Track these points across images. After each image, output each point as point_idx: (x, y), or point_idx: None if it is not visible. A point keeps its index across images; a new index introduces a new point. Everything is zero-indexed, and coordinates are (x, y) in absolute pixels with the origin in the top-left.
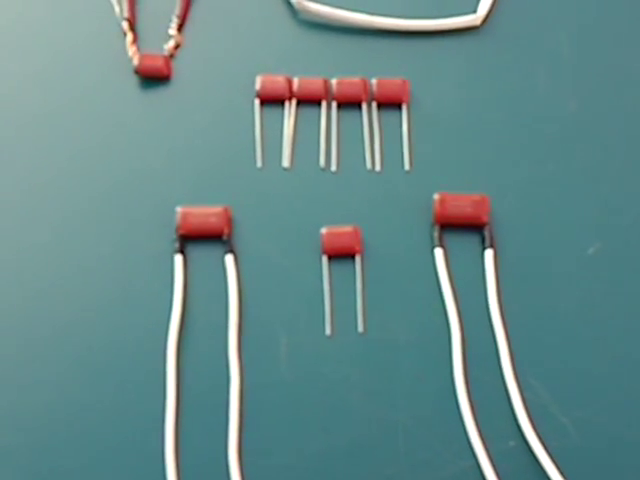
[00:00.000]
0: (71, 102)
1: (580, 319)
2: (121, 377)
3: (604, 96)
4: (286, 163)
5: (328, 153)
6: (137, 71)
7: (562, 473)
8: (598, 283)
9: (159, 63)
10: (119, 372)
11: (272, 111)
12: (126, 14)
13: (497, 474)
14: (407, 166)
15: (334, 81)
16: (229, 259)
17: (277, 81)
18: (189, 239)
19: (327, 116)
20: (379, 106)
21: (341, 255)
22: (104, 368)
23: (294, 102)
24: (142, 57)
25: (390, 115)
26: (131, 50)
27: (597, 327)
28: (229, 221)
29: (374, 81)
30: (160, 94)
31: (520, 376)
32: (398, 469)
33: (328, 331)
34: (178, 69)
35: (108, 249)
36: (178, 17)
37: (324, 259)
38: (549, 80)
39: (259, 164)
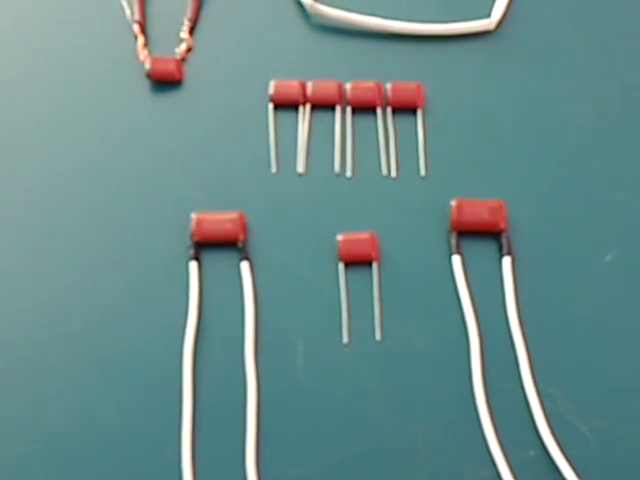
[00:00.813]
0: (82, 106)
1: (599, 327)
2: (137, 386)
3: (619, 100)
4: (301, 169)
5: (343, 158)
6: (149, 75)
7: None
8: (617, 290)
9: (171, 67)
10: (135, 381)
11: (286, 116)
12: (137, 17)
13: None
14: (423, 172)
15: (348, 85)
16: (244, 266)
17: (291, 85)
18: (204, 246)
19: (342, 121)
20: (394, 111)
21: (358, 262)
22: (119, 376)
23: (308, 107)
24: (154, 61)
25: (405, 120)
26: (142, 54)
27: (616, 335)
28: (244, 227)
29: (389, 86)
30: (172, 98)
31: (539, 385)
32: (418, 479)
33: (345, 339)
34: (190, 73)
35: (122, 256)
36: (190, 20)
37: (340, 266)
38: (564, 84)
39: (273, 170)
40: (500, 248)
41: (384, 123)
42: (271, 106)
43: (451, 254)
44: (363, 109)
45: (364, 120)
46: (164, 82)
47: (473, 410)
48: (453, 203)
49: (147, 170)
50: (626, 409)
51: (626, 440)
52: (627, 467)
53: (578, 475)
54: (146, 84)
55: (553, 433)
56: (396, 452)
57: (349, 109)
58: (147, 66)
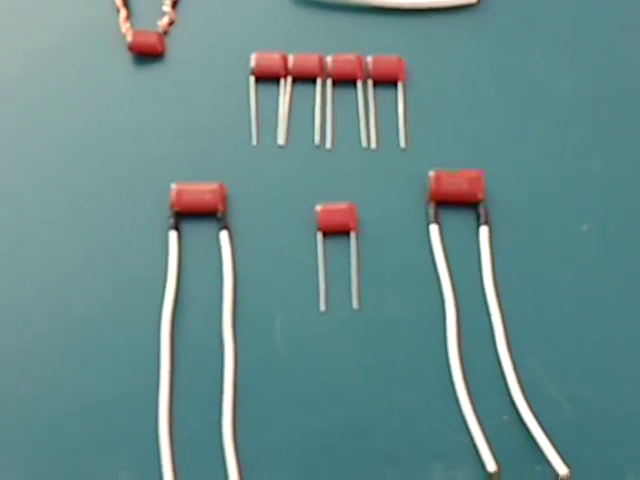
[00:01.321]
0: (63, 79)
1: (575, 296)
2: (114, 354)
3: (601, 75)
4: (281, 141)
5: (323, 131)
6: (130, 48)
7: (556, 448)
8: (593, 260)
9: (153, 40)
10: (112, 349)
11: (267, 88)
12: None
13: (490, 447)
14: (403, 144)
15: (329, 58)
16: (224, 236)
17: (272, 58)
18: (184, 216)
19: (322, 93)
20: (375, 84)
21: (336, 232)
22: (97, 345)
23: (289, 79)
24: (135, 33)
25: (386, 93)
26: (124, 26)
27: (591, 304)
28: (224, 198)
29: (370, 58)
30: (154, 71)
31: (515, 353)
32: (393, 444)
33: (323, 308)
34: (172, 46)
35: (102, 226)
36: None
37: (319, 236)
38: (546, 58)
39: (254, 142)
40: (478, 218)
41: (364, 96)
42: (252, 79)
43: (429, 224)
44: (344, 82)
45: (345, 93)
46: (146, 55)
47: (448, 377)
48: (432, 174)
49: (128, 141)
50: (601, 377)
51: (600, 407)
52: (600, 433)
53: (552, 440)
54: (128, 57)
55: (527, 399)
56: (372, 418)
57: (330, 82)
58: (129, 39)
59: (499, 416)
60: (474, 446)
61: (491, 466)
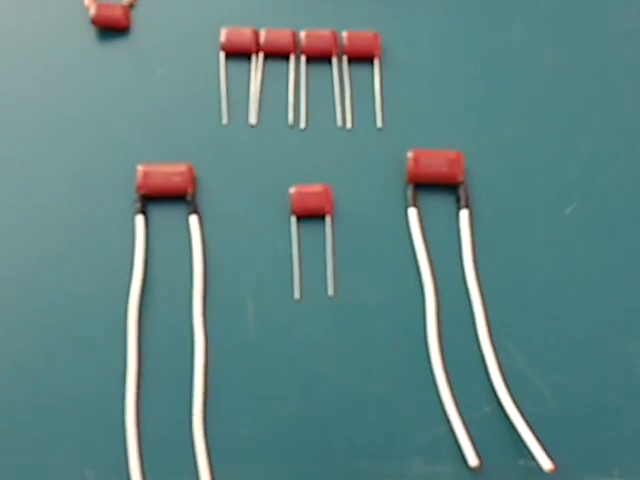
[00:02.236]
0: (22, 54)
1: (557, 281)
2: (80, 342)
3: (582, 49)
4: (253, 120)
5: (297, 109)
6: (94, 21)
7: (538, 439)
8: (576, 244)
9: (117, 13)
10: (78, 337)
11: (238, 65)
12: None
13: (472, 440)
14: (379, 123)
15: (303, 34)
16: (193, 220)
17: (243, 33)
18: (151, 199)
19: (295, 70)
20: (350, 60)
21: (310, 215)
22: (62, 333)
23: (261, 55)
24: (99, 7)
25: (361, 70)
26: None
27: (575, 289)
28: (193, 180)
29: (345, 34)
30: (119, 46)
31: (496, 340)
32: (370, 436)
33: (297, 295)
34: (138, 20)
35: (66, 210)
36: None
37: (293, 219)
38: (526, 32)
39: (224, 120)
40: (458, 201)
41: (339, 73)
42: (222, 55)
43: (407, 207)
44: (318, 58)
45: (319, 70)
46: (110, 29)
47: (427, 366)
48: (410, 154)
49: (92, 120)
50: (583, 364)
51: (583, 396)
52: (584, 423)
53: (534, 432)
54: (92, 31)
55: (509, 389)
56: (348, 410)
57: (303, 58)
58: (92, 12)
59: (481, 407)
60: (455, 439)
61: (473, 460)
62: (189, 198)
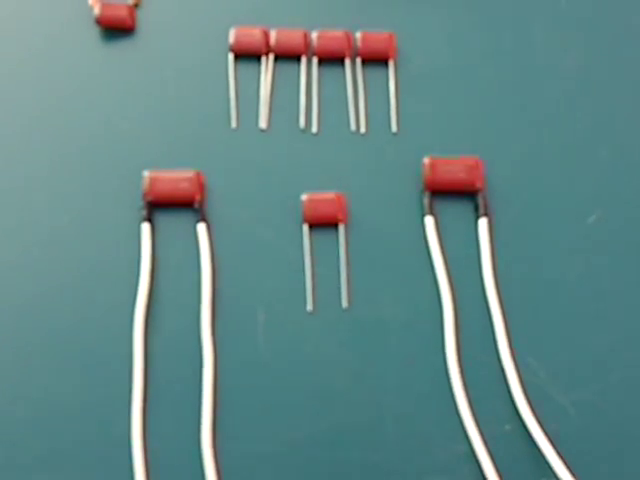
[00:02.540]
0: (23, 56)
1: (581, 293)
2: (85, 357)
3: (605, 51)
4: (263, 124)
5: (309, 113)
6: (98, 22)
7: (562, 458)
8: (599, 254)
9: (122, 13)
10: (82, 352)
11: (247, 67)
12: None
13: (493, 459)
14: (394, 127)
15: (315, 34)
16: (201, 228)
17: (253, 34)
18: (158, 206)
19: (307, 72)
20: (364, 62)
21: (323, 224)
22: (66, 347)
23: (271, 57)
24: (103, 6)
25: (376, 72)
26: None
27: (598, 301)
28: (201, 187)
29: (358, 35)
30: (123, 47)
31: (517, 354)
32: (386, 455)
33: (309, 307)
34: (143, 20)
35: (69, 217)
36: None
37: (305, 228)
38: (547, 33)
39: (234, 125)
40: (476, 209)
41: (353, 75)
42: (231, 56)
43: (424, 215)
44: (330, 60)
45: (331, 72)
46: (115, 29)
47: (446, 382)
48: (426, 161)
49: (97, 125)
50: (609, 380)
51: (609, 413)
52: (609, 442)
53: (557, 451)
54: (96, 32)
55: (531, 406)
56: (363, 427)
57: (315, 60)
58: (96, 12)
59: (501, 425)
60: (475, 458)
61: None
62: (197, 205)
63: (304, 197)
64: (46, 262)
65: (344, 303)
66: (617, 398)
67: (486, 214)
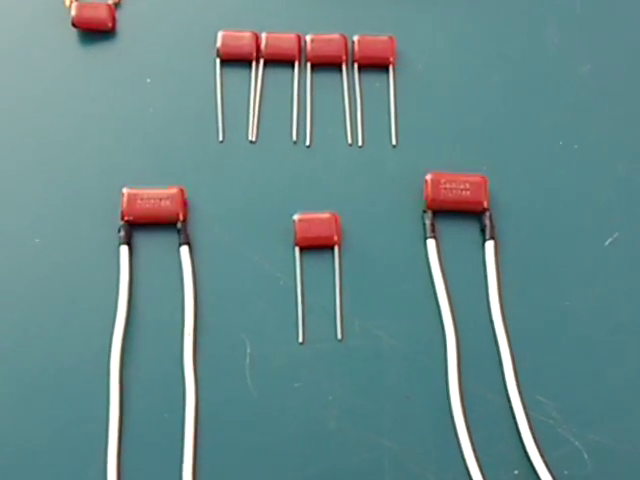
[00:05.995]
0: None
1: (596, 323)
2: (57, 392)
3: (621, 58)
4: (252, 136)
5: (301, 124)
6: (75, 23)
7: None
8: (617, 280)
9: (101, 13)
10: (55, 386)
11: (236, 73)
12: None
13: None
14: (394, 140)
15: (308, 38)
16: (184, 251)
17: (242, 37)
18: (137, 227)
19: (300, 80)
20: (361, 68)
21: (316, 246)
22: (38, 382)
23: (262, 63)
24: (81, 6)
25: (374, 79)
26: None
27: (616, 333)
28: (185, 205)
29: (355, 38)
30: (103, 51)
31: (526, 391)
32: None
33: (301, 338)
34: (124, 21)
35: (43, 238)
36: None
37: (296, 251)
38: (558, 40)
39: (220, 137)
40: (482, 231)
41: (349, 82)
42: (218, 61)
43: (426, 238)
44: (325, 66)
45: (326, 79)
46: (94, 31)
47: (449, 421)
48: (428, 177)
49: (73, 136)
50: (627, 421)
51: (627, 458)
52: None
53: None
54: (72, 34)
55: (541, 449)
56: (358, 472)
57: (309, 66)
58: (73, 12)
59: (510, 470)
60: None
61: None
62: (180, 226)
63: (296, 217)
64: (19, 290)
65: (338, 334)
66: (635, 441)
67: (493, 236)
